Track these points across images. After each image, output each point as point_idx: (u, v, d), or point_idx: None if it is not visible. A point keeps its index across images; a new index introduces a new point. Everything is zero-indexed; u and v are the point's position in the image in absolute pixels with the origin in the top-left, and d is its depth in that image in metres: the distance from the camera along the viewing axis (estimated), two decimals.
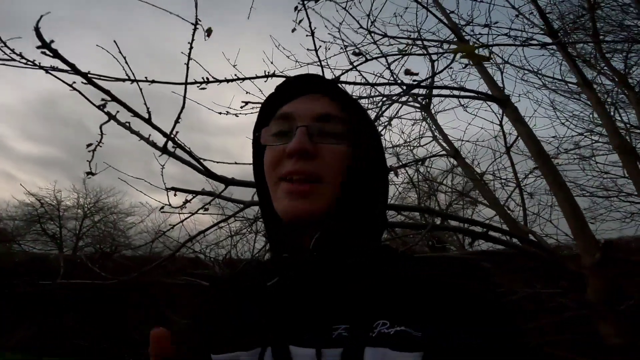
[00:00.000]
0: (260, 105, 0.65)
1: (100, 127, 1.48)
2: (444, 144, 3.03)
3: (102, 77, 1.47)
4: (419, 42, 2.73)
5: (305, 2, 2.04)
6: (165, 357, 0.56)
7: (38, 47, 1.20)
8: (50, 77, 1.36)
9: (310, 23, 1.93)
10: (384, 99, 2.41)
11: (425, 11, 2.61)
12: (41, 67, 1.35)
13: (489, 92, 2.41)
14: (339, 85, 0.61)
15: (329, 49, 2.54)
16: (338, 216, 0.54)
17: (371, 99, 2.69)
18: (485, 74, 2.48)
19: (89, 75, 1.31)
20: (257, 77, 1.85)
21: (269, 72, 1.84)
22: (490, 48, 2.48)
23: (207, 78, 1.72)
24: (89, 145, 1.50)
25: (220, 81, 1.75)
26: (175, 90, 1.58)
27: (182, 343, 0.62)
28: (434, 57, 2.66)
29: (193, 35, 1.55)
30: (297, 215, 0.53)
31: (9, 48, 1.32)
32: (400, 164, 3.17)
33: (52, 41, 1.18)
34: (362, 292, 0.49)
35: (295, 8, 2.07)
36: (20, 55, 1.31)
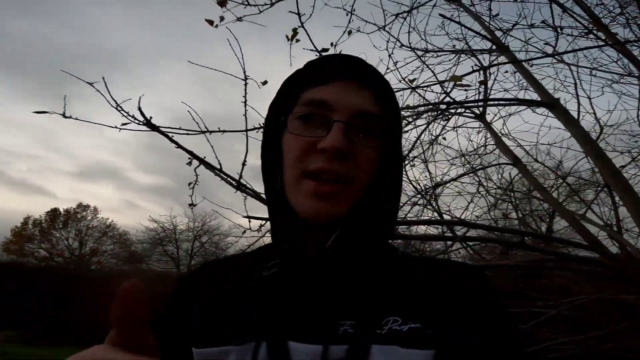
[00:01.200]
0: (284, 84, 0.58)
1: (195, 170, 1.97)
2: (503, 152, 2.96)
3: (185, 131, 1.97)
4: (463, 54, 2.81)
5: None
6: (136, 318, 0.32)
7: (140, 123, 1.72)
8: None
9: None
10: (437, 111, 2.50)
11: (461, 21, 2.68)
12: (148, 128, 1.87)
13: (537, 97, 2.36)
14: (382, 75, 0.56)
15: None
16: (358, 218, 0.52)
17: (422, 112, 2.80)
18: (531, 79, 2.44)
19: (175, 130, 1.80)
20: None
21: None
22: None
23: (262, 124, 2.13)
24: (190, 183, 2.01)
25: None
26: (239, 136, 2.00)
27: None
28: (475, 65, 2.69)
29: (245, 89, 1.98)
30: (322, 216, 0.50)
31: (124, 111, 1.82)
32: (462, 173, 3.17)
33: (151, 117, 1.69)
34: (369, 289, 0.48)
35: (350, 32, 2.37)
36: (133, 116, 1.83)
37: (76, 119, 1.89)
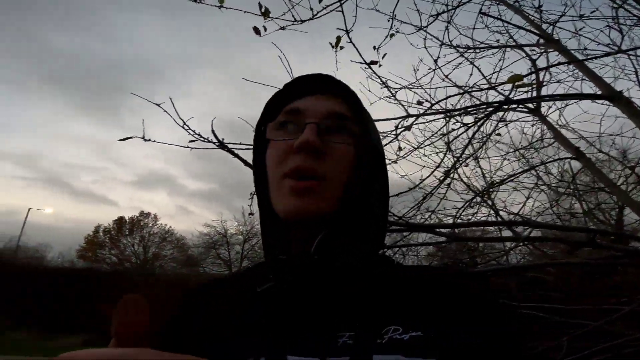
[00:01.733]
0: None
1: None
2: (563, 145, 2.87)
3: (246, 146, 2.19)
4: (508, 48, 2.77)
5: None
6: (134, 330, 0.31)
7: (215, 144, 1.94)
8: None
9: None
10: (489, 108, 2.49)
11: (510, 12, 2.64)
12: (221, 148, 2.09)
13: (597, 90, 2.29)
14: (349, 87, 0.60)
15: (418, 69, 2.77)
16: (341, 218, 0.53)
17: (473, 112, 2.78)
18: (588, 72, 2.37)
19: (237, 145, 2.00)
20: None
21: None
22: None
23: None
24: (251, 193, 2.21)
25: None
26: None
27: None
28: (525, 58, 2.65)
29: None
30: (301, 213, 0.51)
31: (191, 130, 2.04)
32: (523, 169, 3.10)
33: (223, 139, 1.91)
34: (367, 297, 0.48)
35: (392, 35, 2.45)
36: (199, 134, 2.04)
37: (154, 141, 2.14)
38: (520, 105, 2.97)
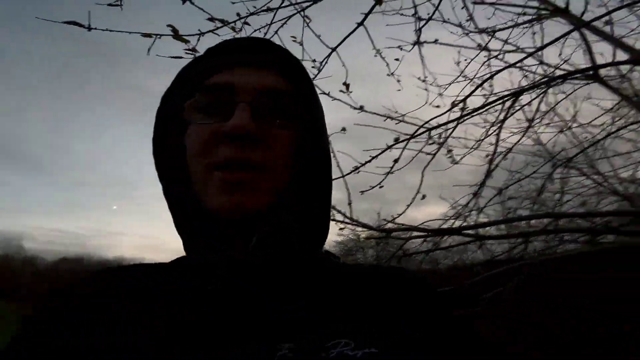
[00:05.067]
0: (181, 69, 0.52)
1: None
2: None
3: None
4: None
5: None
6: None
7: None
8: None
9: None
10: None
11: None
12: None
13: None
14: (290, 53, 0.52)
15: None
16: (280, 212, 0.46)
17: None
18: None
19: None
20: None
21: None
22: None
23: (357, 166, 2.33)
24: None
25: (364, 164, 2.29)
26: None
27: None
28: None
29: None
30: (234, 211, 0.44)
31: None
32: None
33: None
34: (311, 302, 0.42)
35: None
36: None
37: None
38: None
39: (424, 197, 2.36)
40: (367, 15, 1.92)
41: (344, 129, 2.34)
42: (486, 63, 2.57)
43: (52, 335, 0.39)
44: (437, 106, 2.56)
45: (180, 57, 1.49)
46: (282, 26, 1.82)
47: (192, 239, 0.49)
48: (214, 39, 1.81)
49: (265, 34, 1.85)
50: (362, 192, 2.16)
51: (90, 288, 0.45)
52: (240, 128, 0.43)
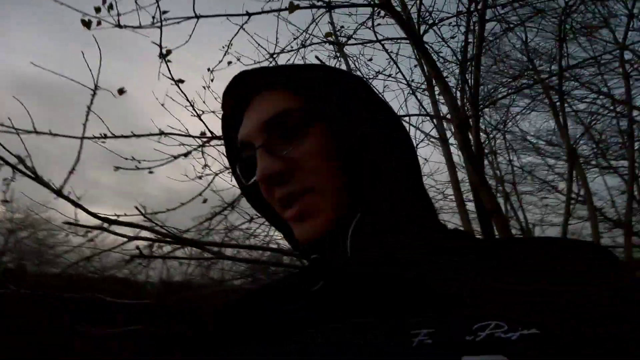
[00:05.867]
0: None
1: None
2: None
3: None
4: None
5: None
6: None
7: None
8: None
9: None
10: None
11: None
12: None
13: None
14: (275, 68, 0.50)
15: None
16: (359, 209, 0.45)
17: None
18: None
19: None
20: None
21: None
22: None
23: (105, 134, 1.86)
24: (4, 179, 1.70)
25: (117, 137, 1.87)
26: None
27: None
28: None
29: (92, 100, 1.73)
30: (308, 239, 0.46)
31: None
32: None
33: None
34: (448, 284, 0.38)
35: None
36: None
37: None
38: None
39: (205, 201, 2.12)
40: None
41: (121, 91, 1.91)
42: None
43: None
44: None
45: None
46: None
47: (289, 239, 0.54)
48: None
49: None
50: (117, 168, 1.75)
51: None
52: (265, 177, 0.45)
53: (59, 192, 1.67)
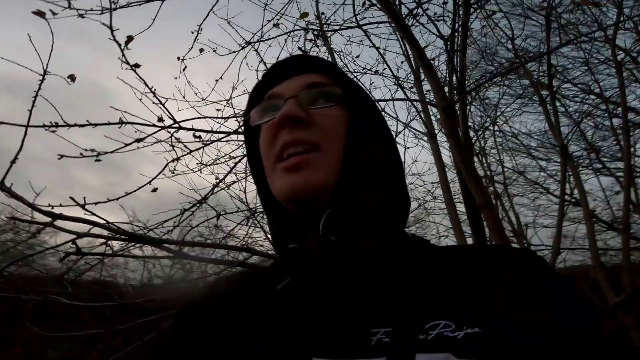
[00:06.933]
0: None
1: None
2: None
3: None
4: None
5: None
6: None
7: None
8: None
9: None
10: None
11: None
12: None
13: None
14: (324, 59, 0.57)
15: None
16: (345, 190, 0.46)
17: None
18: None
19: None
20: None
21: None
22: None
23: (56, 122, 1.69)
24: None
25: (71, 125, 1.69)
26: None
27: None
28: None
29: (40, 85, 1.55)
30: (297, 189, 0.46)
31: None
32: None
33: None
34: (405, 285, 0.40)
35: None
36: None
37: None
38: None
39: (155, 189, 1.94)
40: None
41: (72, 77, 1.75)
42: None
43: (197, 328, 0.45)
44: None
45: None
46: None
47: (274, 235, 0.52)
48: None
49: None
50: (62, 156, 1.56)
51: (206, 301, 0.50)
52: (288, 114, 0.48)
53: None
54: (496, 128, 4.20)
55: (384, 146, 0.55)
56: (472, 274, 0.41)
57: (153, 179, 1.84)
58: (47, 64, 1.57)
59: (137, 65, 1.70)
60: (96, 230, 1.51)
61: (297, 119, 0.48)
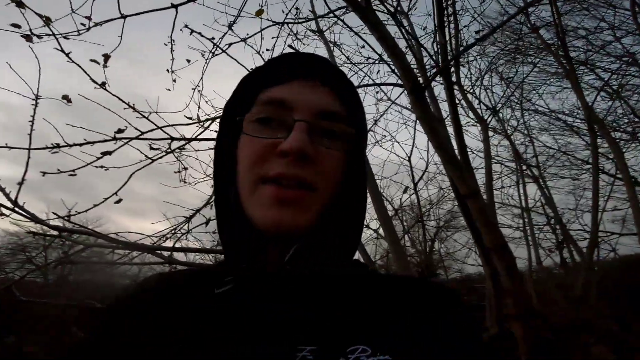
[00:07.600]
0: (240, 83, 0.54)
1: None
2: None
3: None
4: None
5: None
6: None
7: None
8: None
9: None
10: None
11: None
12: None
13: None
14: (342, 72, 0.53)
15: None
16: (321, 229, 0.47)
17: None
18: None
19: None
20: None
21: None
22: None
23: (58, 144, 1.89)
24: None
25: (71, 145, 1.89)
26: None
27: None
28: None
29: (35, 109, 1.76)
30: (283, 228, 0.45)
31: None
32: None
33: None
34: (335, 310, 0.43)
35: None
36: None
37: None
38: None
39: (119, 201, 2.08)
40: None
41: (66, 98, 1.94)
42: None
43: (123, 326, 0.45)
44: (190, 118, 2.38)
45: None
46: None
47: (230, 246, 0.51)
48: None
49: None
50: (44, 173, 1.75)
51: (150, 290, 0.50)
52: (299, 150, 0.45)
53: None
54: (523, 106, 3.88)
55: (364, 190, 0.54)
56: (392, 303, 0.45)
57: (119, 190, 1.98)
58: (38, 89, 1.76)
59: (103, 84, 1.83)
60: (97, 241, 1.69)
61: (305, 156, 0.45)
